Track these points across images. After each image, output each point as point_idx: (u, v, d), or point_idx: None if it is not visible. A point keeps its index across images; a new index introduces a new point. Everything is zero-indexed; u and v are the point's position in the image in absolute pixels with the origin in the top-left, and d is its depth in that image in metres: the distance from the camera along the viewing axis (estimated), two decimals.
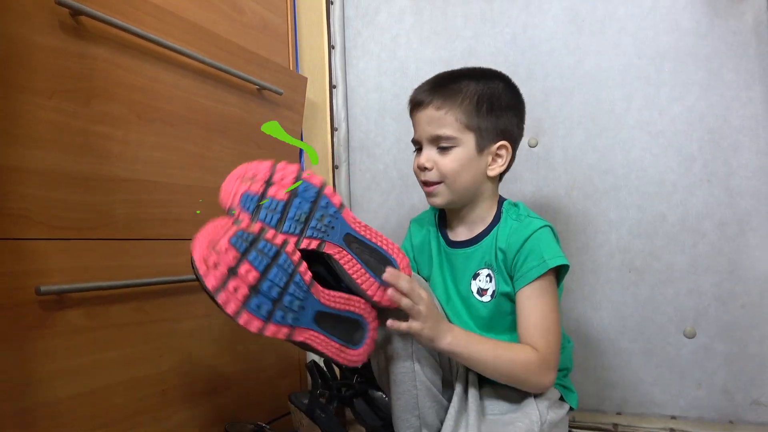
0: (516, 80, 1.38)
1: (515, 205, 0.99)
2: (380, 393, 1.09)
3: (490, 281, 0.95)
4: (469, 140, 0.92)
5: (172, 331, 0.95)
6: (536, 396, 0.89)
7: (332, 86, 1.54)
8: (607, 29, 1.28)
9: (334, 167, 1.54)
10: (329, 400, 1.08)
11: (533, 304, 0.88)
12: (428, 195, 0.96)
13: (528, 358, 0.84)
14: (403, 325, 0.77)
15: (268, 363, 1.17)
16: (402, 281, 0.77)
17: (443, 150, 0.92)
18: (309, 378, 1.16)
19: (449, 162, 0.92)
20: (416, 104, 0.95)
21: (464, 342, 0.83)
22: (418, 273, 1.05)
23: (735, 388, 1.17)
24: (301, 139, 1.31)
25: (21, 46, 0.72)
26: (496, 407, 0.88)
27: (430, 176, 0.93)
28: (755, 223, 1.16)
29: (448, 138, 0.91)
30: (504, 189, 1.32)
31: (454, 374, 0.94)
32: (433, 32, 1.46)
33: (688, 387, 1.21)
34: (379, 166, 1.52)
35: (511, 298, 0.92)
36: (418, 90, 0.97)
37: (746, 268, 1.17)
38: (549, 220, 1.29)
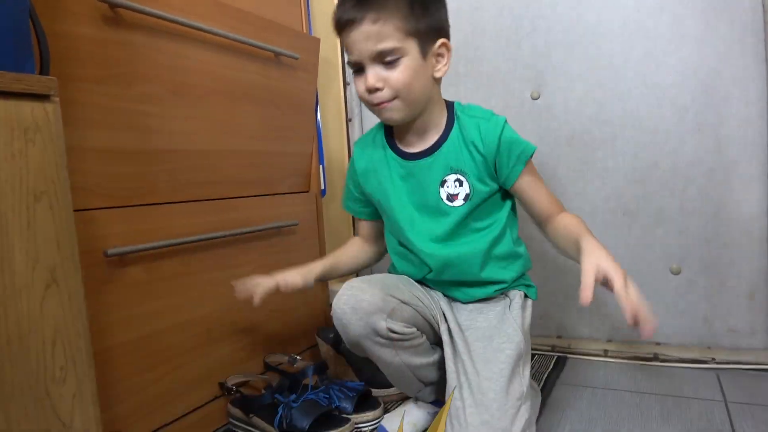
0: (521, 33, 1.45)
1: (466, 106, 0.99)
2: None
3: (460, 185, 0.95)
4: (412, 47, 0.87)
5: (212, 280, 1.08)
6: (509, 307, 1.00)
7: None
8: None
9: (348, 120, 1.63)
10: None
11: (537, 186, 0.98)
12: (382, 112, 0.92)
13: (572, 216, 0.96)
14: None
15: (297, 303, 1.32)
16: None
17: (389, 64, 0.87)
18: None
19: (399, 75, 0.87)
20: (347, 22, 0.87)
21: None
22: (365, 196, 1.08)
23: (713, 317, 1.31)
24: (316, 97, 1.39)
25: (71, 40, 0.81)
26: (480, 336, 0.96)
27: (383, 96, 0.89)
28: (741, 170, 1.25)
29: (392, 50, 0.86)
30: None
31: (434, 318, 1.01)
32: None
33: (673, 317, 1.34)
34: None
35: (487, 196, 0.96)
36: (344, 7, 0.88)
37: (730, 211, 1.27)
38: (550, 168, 1.42)
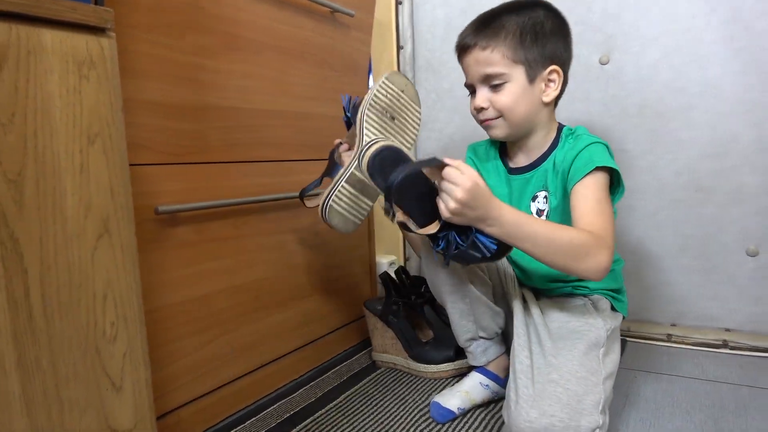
0: None
1: (573, 130, 1.01)
2: None
3: (546, 202, 0.99)
4: (518, 73, 0.93)
5: (263, 244, 1.05)
6: (594, 305, 0.96)
7: (398, 3, 1.53)
8: None
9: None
10: (400, 306, 1.19)
11: (586, 194, 0.89)
12: (487, 128, 0.99)
13: (583, 237, 0.82)
14: (441, 206, 0.78)
15: (345, 273, 1.28)
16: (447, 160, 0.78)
17: (495, 87, 0.95)
18: (382, 288, 1.26)
19: (503, 98, 0.94)
20: (462, 49, 0.97)
21: (514, 221, 0.79)
22: None
23: None
24: (370, 60, 1.33)
25: None
26: (557, 318, 0.94)
27: (488, 114, 0.97)
28: None
29: (497, 75, 0.94)
30: (571, 108, 1.33)
31: (506, 286, 1.03)
32: None
33: (746, 303, 1.25)
34: (444, 85, 1.53)
35: (563, 212, 0.96)
36: (462, 35, 0.98)
37: None
38: (616, 141, 1.32)
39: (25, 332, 0.48)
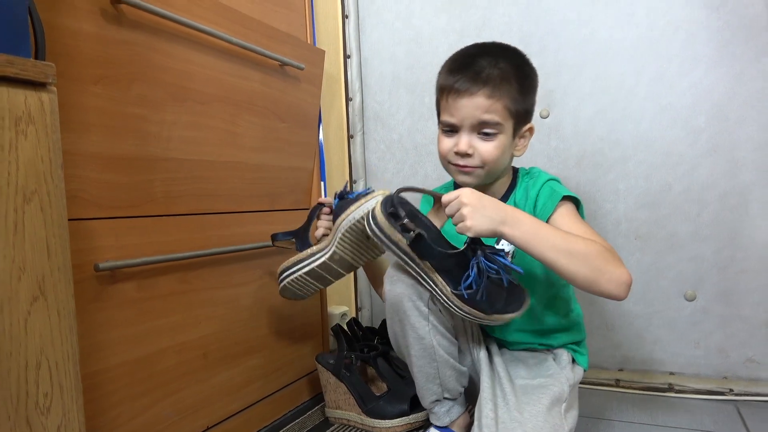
0: (529, 52, 1.40)
1: (528, 171, 1.04)
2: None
3: (510, 244, 0.96)
4: (509, 126, 0.94)
5: (211, 299, 1.01)
6: (556, 360, 0.97)
7: (346, 56, 1.56)
8: (620, 0, 1.30)
9: (350, 137, 1.58)
10: (353, 360, 1.16)
11: (567, 221, 0.90)
12: (460, 175, 0.97)
13: (599, 246, 0.81)
14: (460, 226, 0.79)
15: (295, 326, 1.24)
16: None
17: (486, 136, 0.92)
18: (333, 340, 1.23)
19: (492, 149, 0.92)
20: (461, 91, 0.92)
21: (532, 220, 0.80)
22: None
23: (730, 347, 1.26)
24: (319, 111, 1.34)
25: (69, 36, 0.75)
26: (521, 373, 0.95)
27: (470, 162, 0.94)
28: (756, 194, 1.22)
29: (495, 125, 0.91)
30: (515, 160, 1.38)
31: (471, 341, 1.02)
32: (448, 2, 1.47)
33: (687, 346, 1.29)
34: (393, 136, 1.56)
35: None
36: (458, 74, 0.93)
37: (746, 237, 1.23)
38: None
39: None
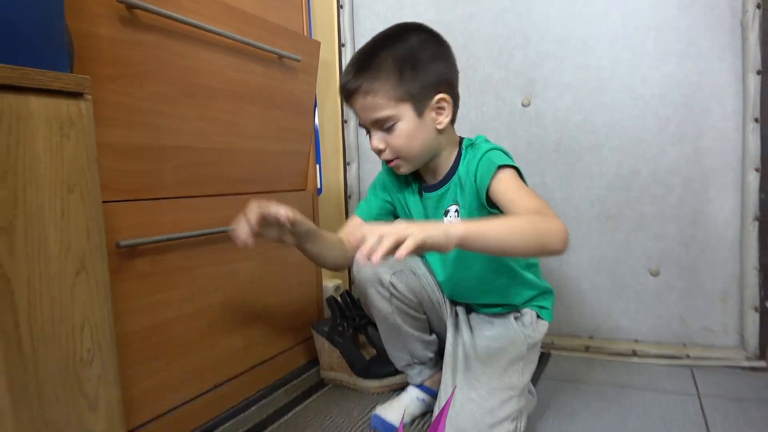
0: (513, 43, 1.51)
1: (472, 141, 1.02)
2: None
3: (458, 216, 1.01)
4: (406, 111, 0.92)
5: (214, 274, 1.12)
6: (516, 319, 1.07)
7: (341, 45, 1.65)
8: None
9: (343, 122, 1.68)
10: (345, 328, 1.29)
11: (506, 187, 0.89)
12: (392, 168, 1.00)
13: (537, 217, 0.82)
14: (400, 252, 0.66)
15: (292, 298, 1.36)
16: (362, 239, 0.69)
17: (388, 130, 0.94)
18: (328, 310, 1.36)
19: (396, 139, 0.94)
20: (347, 94, 0.95)
21: (475, 227, 0.75)
22: (387, 203, 1.13)
23: (689, 317, 1.38)
24: (315, 99, 1.44)
25: (90, 40, 0.84)
26: (486, 333, 1.05)
27: (387, 155, 0.97)
28: (717, 179, 1.32)
29: (386, 118, 0.92)
30: (499, 144, 1.48)
31: (440, 310, 1.12)
32: None
33: (650, 316, 1.41)
34: None
35: None
36: (344, 77, 0.96)
37: (707, 218, 1.34)
38: (538, 173, 1.47)
39: (15, 362, 0.55)
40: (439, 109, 0.95)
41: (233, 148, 1.16)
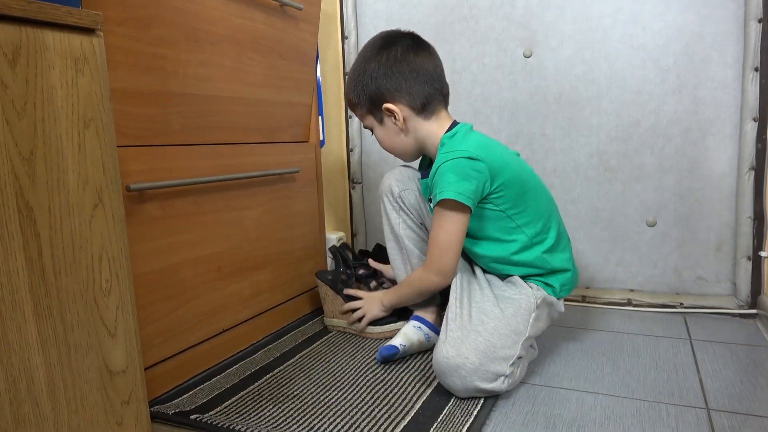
0: None
1: (450, 135, 1.08)
2: (389, 275, 1.33)
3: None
4: (371, 120, 1.15)
5: (222, 220, 1.14)
6: (528, 284, 1.10)
7: None
8: None
9: (345, 74, 1.68)
10: (348, 276, 1.32)
11: (436, 227, 1.04)
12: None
13: (420, 276, 1.11)
14: (361, 326, 1.26)
15: (297, 247, 1.39)
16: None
17: (373, 133, 1.18)
18: (331, 260, 1.39)
19: (378, 141, 1.18)
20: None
21: (394, 300, 1.22)
22: None
23: (683, 267, 1.42)
24: (317, 49, 1.43)
25: None
26: (497, 284, 1.10)
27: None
28: (715, 130, 1.34)
29: (367, 126, 1.18)
30: (500, 96, 1.49)
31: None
32: None
33: (646, 266, 1.45)
34: None
35: None
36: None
37: (704, 169, 1.36)
38: (538, 125, 1.48)
39: (39, 286, 0.58)
40: (392, 115, 1.10)
41: (236, 96, 1.17)
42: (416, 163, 1.24)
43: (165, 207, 1.01)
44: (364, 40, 1.69)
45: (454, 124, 1.11)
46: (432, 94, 1.09)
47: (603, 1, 1.39)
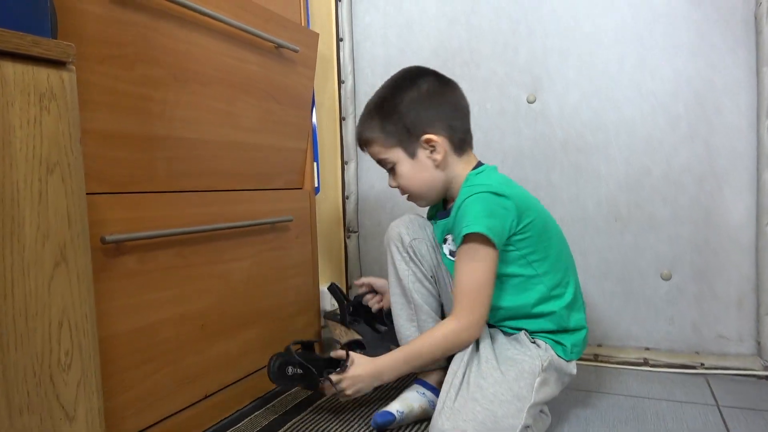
0: (517, 38, 1.46)
1: (478, 173, 1.03)
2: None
3: (454, 244, 1.02)
4: (398, 154, 1.02)
5: (208, 274, 1.05)
6: (535, 343, 1.01)
7: (339, 39, 1.59)
8: None
9: (342, 119, 1.62)
10: (355, 311, 1.27)
11: (460, 269, 0.96)
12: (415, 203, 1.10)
13: (448, 331, 0.96)
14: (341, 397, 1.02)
15: (289, 301, 1.29)
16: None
17: (391, 171, 1.06)
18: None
19: (399, 179, 1.05)
20: (359, 144, 1.09)
21: (404, 370, 0.99)
22: None
23: (702, 324, 1.33)
24: (313, 93, 1.38)
25: (76, 16, 0.77)
26: (500, 341, 1.01)
27: (402, 192, 1.08)
28: (730, 179, 1.28)
29: (384, 161, 1.05)
30: (504, 143, 1.43)
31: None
32: None
33: (662, 323, 1.36)
34: None
35: None
36: (357, 128, 1.10)
37: (720, 219, 1.29)
38: (543, 173, 1.42)
39: None
40: (431, 148, 1.01)
41: (227, 140, 1.09)
42: (423, 212, 1.16)
43: (145, 260, 0.91)
44: (361, 85, 1.65)
45: (479, 164, 1.06)
46: (468, 131, 1.06)
47: (609, 46, 1.35)
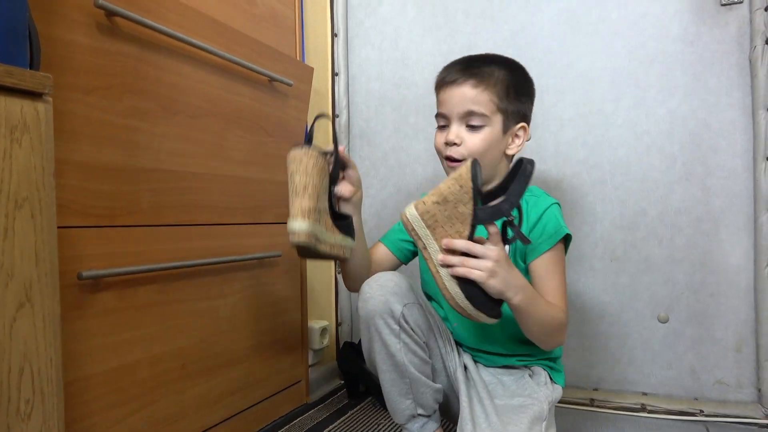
0: None
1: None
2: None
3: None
4: (497, 121, 0.97)
5: (190, 311, 1.01)
6: (530, 377, 0.99)
7: (334, 74, 1.59)
8: (600, 32, 1.35)
9: None
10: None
11: (552, 271, 0.95)
12: (450, 170, 0.98)
13: (561, 320, 0.91)
14: (473, 274, 0.79)
15: (276, 339, 1.25)
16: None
17: (473, 128, 0.97)
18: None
19: (478, 141, 0.96)
20: (450, 81, 0.99)
21: (531, 300, 0.85)
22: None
23: (701, 369, 1.29)
24: (306, 127, 1.36)
25: (63, 47, 0.76)
26: (499, 392, 0.96)
27: (456, 152, 0.97)
28: (727, 221, 1.26)
29: (481, 116, 0.96)
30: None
31: (446, 359, 1.01)
32: (434, 25, 1.51)
33: (660, 367, 1.32)
34: (378, 154, 1.58)
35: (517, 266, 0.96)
36: (450, 69, 1.01)
37: (717, 261, 1.27)
38: None
39: None
40: (516, 137, 1.01)
41: (216, 174, 1.07)
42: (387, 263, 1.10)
43: (124, 297, 0.88)
44: (356, 119, 1.64)
45: None
46: None
47: (604, 86, 1.35)
